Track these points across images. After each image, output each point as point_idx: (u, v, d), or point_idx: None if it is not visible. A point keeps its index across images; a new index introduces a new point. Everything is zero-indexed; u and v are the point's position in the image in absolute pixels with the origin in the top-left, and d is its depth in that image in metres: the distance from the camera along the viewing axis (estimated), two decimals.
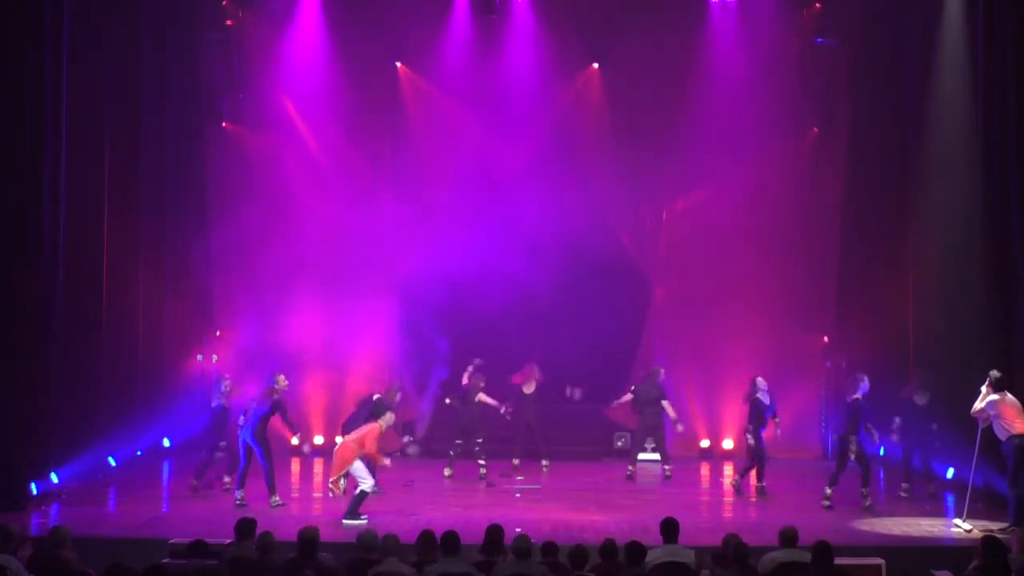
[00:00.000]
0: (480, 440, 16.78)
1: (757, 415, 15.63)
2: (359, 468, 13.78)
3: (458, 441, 16.92)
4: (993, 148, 14.97)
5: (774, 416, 15.71)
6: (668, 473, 17.09)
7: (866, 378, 14.83)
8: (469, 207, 18.72)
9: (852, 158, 19.09)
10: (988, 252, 15.05)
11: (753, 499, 15.55)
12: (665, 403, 17.02)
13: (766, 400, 15.63)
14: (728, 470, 18.34)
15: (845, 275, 19.27)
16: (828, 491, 14.67)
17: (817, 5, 19.07)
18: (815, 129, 19.46)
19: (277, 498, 14.63)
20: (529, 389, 17.45)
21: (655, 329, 19.67)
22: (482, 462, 16.69)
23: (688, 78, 19.08)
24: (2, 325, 14.02)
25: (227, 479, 15.51)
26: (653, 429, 17.27)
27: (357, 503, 13.65)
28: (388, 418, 14.18)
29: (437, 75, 19.36)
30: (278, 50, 19.36)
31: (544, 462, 17.62)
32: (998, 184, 14.86)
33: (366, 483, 13.73)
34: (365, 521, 13.27)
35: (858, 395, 14.62)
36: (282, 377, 14.90)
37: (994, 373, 13.44)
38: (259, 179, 19.23)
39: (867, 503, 14.54)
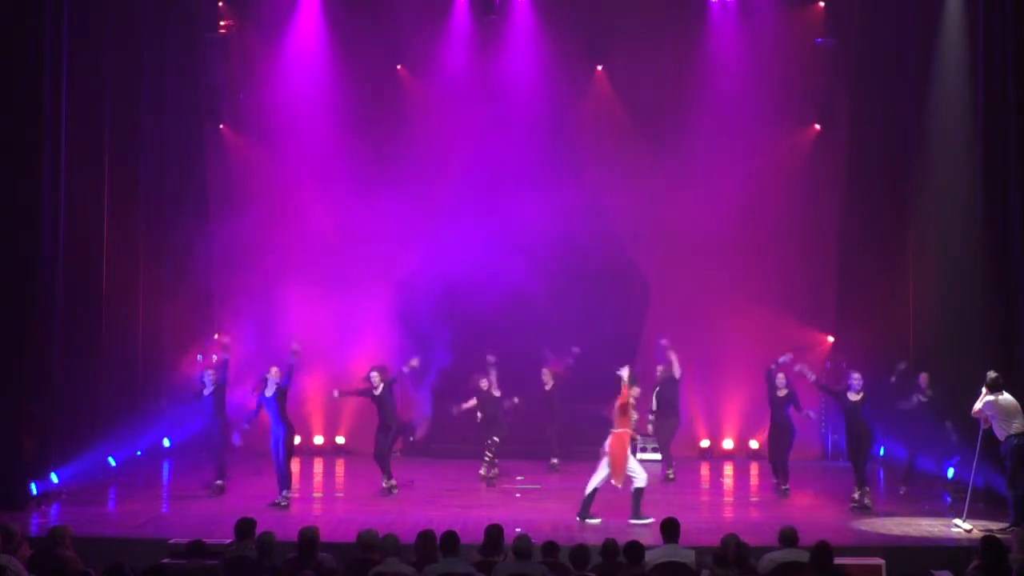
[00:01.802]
0: (496, 439, 16.71)
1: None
2: (632, 462, 13.65)
3: (489, 442, 16.78)
4: (993, 147, 14.98)
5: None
6: (671, 475, 17.10)
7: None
8: (469, 207, 18.70)
9: (852, 158, 19.09)
10: (988, 251, 15.07)
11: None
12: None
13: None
14: (728, 470, 18.32)
15: (845, 274, 19.28)
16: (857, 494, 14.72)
17: (820, 5, 19.05)
18: (816, 126, 19.45)
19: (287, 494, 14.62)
20: (548, 385, 17.53)
21: (655, 329, 19.63)
22: (488, 458, 16.62)
23: (688, 78, 19.08)
24: (2, 325, 14.01)
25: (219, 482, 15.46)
26: (666, 428, 17.33)
27: (637, 501, 13.52)
28: (636, 391, 13.87)
29: (437, 75, 19.35)
30: (278, 50, 19.35)
31: (554, 460, 17.62)
32: (998, 184, 14.88)
33: (639, 479, 13.57)
34: (650, 520, 13.06)
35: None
36: (275, 369, 14.78)
37: (990, 374, 13.42)
38: (259, 179, 19.22)
39: (864, 502, 14.58)
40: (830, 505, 15.12)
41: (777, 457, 15.81)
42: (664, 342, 17.46)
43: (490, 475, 16.50)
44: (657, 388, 17.28)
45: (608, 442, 13.75)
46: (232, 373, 15.82)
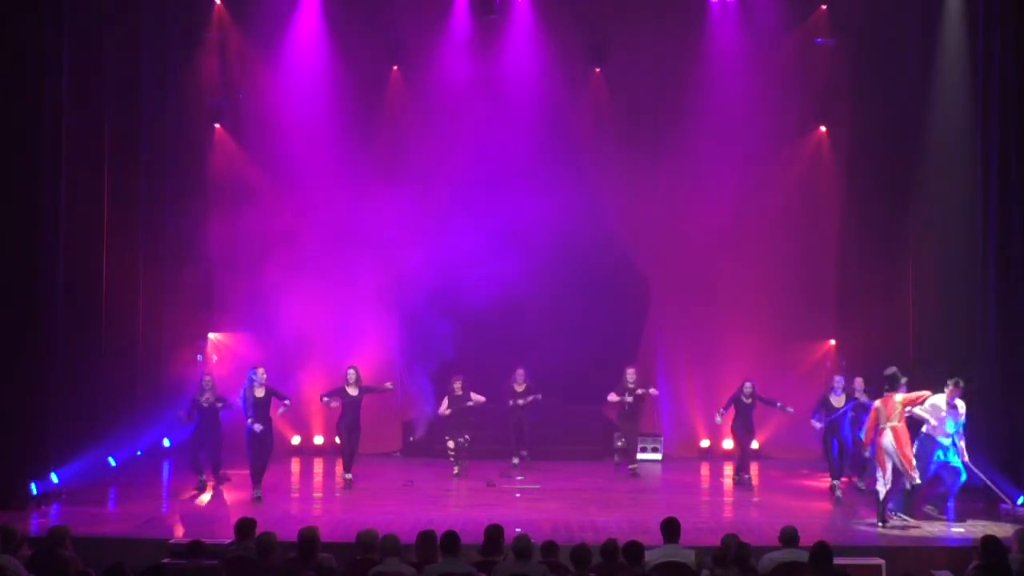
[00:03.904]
0: (466, 438, 17.14)
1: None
2: (891, 462, 13.63)
3: (450, 441, 17.25)
4: (993, 147, 14.99)
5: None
6: (635, 469, 17.47)
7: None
8: (468, 207, 18.67)
9: (852, 158, 19.08)
10: (988, 251, 15.07)
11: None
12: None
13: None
14: (728, 470, 18.32)
15: (846, 275, 19.26)
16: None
17: (823, 7, 19.03)
18: (820, 128, 19.45)
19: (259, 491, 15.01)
20: (520, 388, 17.69)
21: (655, 329, 19.65)
22: (453, 456, 17.20)
23: (688, 78, 19.06)
24: (2, 325, 14.01)
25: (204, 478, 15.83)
26: (633, 430, 17.73)
27: (882, 506, 13.51)
28: (903, 392, 13.88)
29: (436, 75, 19.31)
30: (278, 50, 19.31)
31: (515, 460, 17.76)
32: (998, 184, 14.88)
33: (882, 483, 13.54)
34: (882, 528, 13.22)
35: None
36: (261, 370, 15.33)
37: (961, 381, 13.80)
38: (259, 178, 19.20)
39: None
40: (830, 505, 15.13)
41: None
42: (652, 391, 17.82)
43: (458, 472, 17.00)
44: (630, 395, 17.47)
45: (889, 440, 13.62)
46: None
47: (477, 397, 17.26)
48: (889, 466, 13.53)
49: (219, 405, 15.75)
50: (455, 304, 18.29)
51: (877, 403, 13.91)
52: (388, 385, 16.89)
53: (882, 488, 13.52)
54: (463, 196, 18.85)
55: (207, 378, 16.20)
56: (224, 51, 19.21)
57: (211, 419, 15.76)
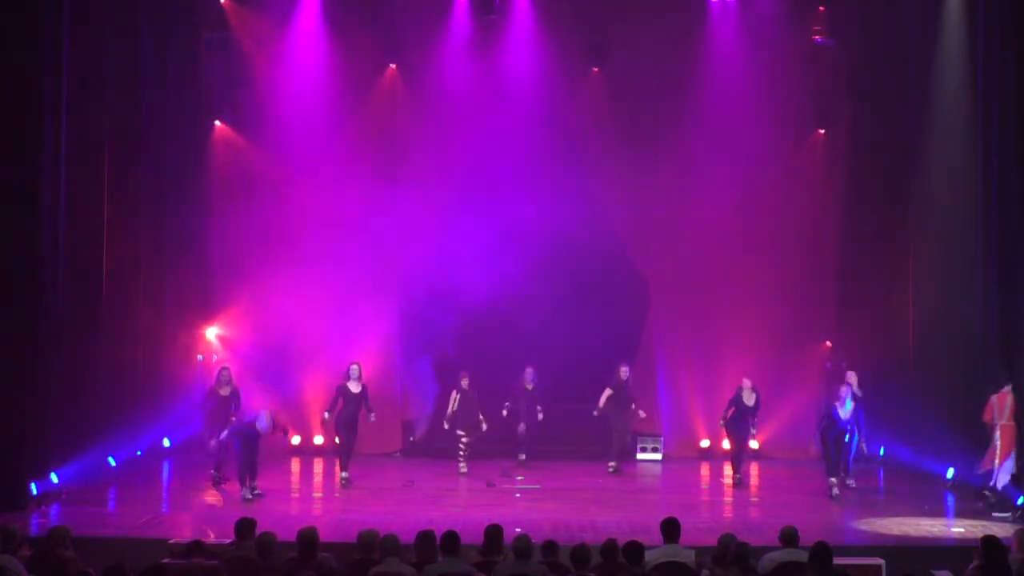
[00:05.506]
0: (467, 439, 17.26)
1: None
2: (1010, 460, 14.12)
3: (464, 439, 17.31)
4: (993, 148, 15.00)
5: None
6: (614, 468, 17.53)
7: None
8: (469, 207, 18.69)
9: (852, 158, 19.08)
10: (988, 254, 15.09)
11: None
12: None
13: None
14: (728, 470, 18.32)
15: (846, 275, 19.27)
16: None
17: (821, 8, 19.02)
18: (821, 131, 19.44)
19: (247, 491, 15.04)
20: (530, 386, 17.77)
21: (655, 329, 19.64)
22: (464, 453, 17.30)
23: (688, 78, 19.05)
24: (2, 325, 14.01)
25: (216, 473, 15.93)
26: (620, 428, 17.77)
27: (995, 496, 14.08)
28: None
29: (437, 74, 19.32)
30: (278, 49, 19.30)
31: (521, 456, 17.91)
32: (998, 184, 14.89)
33: (1003, 478, 14.03)
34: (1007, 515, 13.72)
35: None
36: (266, 413, 15.35)
37: None
38: (259, 176, 19.19)
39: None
40: (830, 505, 15.14)
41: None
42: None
43: (465, 470, 17.11)
44: (611, 391, 17.61)
45: (997, 436, 14.13)
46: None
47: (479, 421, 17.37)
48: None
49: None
50: (455, 303, 18.33)
51: (993, 398, 14.26)
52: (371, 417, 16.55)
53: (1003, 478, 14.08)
54: (463, 196, 18.85)
55: (226, 369, 16.28)
56: (225, 48, 19.21)
57: (228, 411, 15.81)
